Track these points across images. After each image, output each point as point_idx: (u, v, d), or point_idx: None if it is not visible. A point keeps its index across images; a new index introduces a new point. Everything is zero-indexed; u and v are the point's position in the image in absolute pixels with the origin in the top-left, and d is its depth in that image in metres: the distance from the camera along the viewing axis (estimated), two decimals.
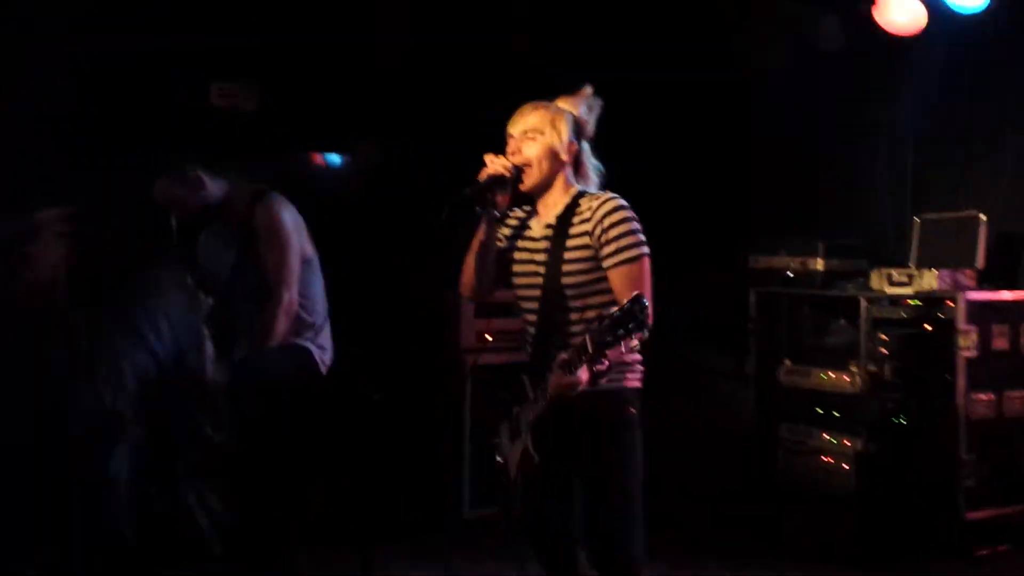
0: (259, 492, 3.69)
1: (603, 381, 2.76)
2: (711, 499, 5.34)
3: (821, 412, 5.21)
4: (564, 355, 2.70)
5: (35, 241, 2.18)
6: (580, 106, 3.02)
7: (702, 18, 5.72)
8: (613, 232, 2.82)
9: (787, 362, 5.44)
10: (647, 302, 2.61)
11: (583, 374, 2.68)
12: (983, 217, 4.91)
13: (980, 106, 5.24)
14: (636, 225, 2.85)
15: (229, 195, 3.91)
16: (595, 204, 2.88)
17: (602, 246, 2.83)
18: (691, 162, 5.97)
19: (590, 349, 2.62)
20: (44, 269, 2.16)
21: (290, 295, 3.77)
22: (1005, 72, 5.13)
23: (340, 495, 4.88)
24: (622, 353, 2.68)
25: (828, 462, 5.07)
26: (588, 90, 3.07)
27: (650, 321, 2.67)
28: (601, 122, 3.07)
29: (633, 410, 2.91)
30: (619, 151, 3.11)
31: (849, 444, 4.99)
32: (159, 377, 2.26)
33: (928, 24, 5.03)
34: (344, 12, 5.31)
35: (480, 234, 3.00)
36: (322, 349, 3.95)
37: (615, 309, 2.61)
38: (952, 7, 4.86)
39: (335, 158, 5.78)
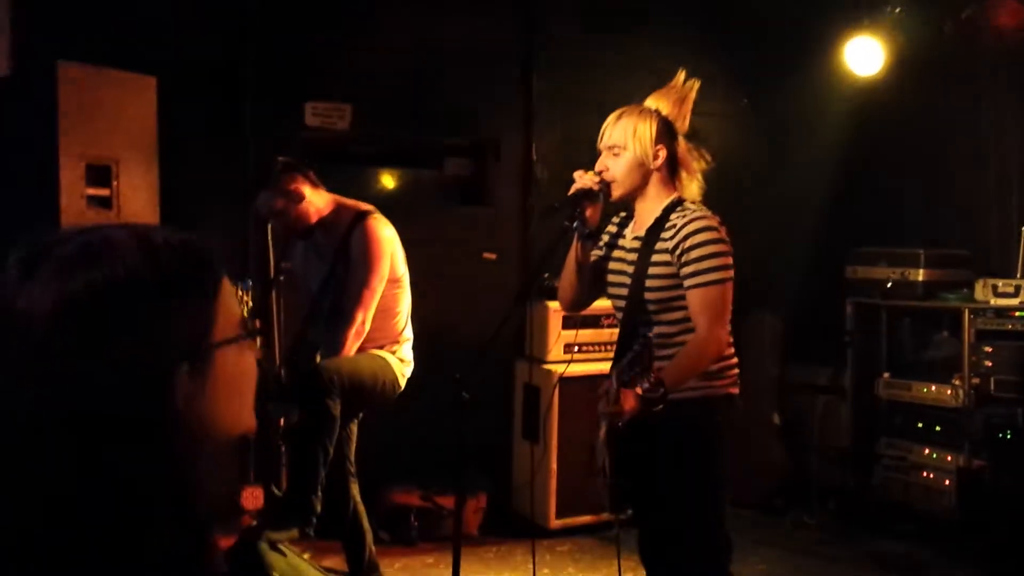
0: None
1: (679, 395, 2.74)
2: (810, 520, 5.23)
3: (922, 426, 5.05)
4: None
5: None
6: (670, 100, 2.93)
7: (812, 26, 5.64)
8: (694, 253, 2.77)
9: (886, 375, 5.29)
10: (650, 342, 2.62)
11: (627, 403, 2.65)
12: None
13: None
14: (720, 248, 2.79)
15: (336, 210, 3.98)
16: (681, 221, 2.83)
17: (682, 265, 2.79)
18: (796, 171, 5.87)
19: (615, 385, 2.65)
20: None
21: (363, 316, 3.82)
22: None
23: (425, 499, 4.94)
24: (679, 379, 2.70)
25: (928, 478, 4.90)
26: (679, 78, 2.96)
27: (722, 349, 2.71)
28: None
29: (718, 418, 2.86)
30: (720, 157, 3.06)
31: (951, 459, 4.83)
32: None
33: None
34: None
35: (573, 249, 3.01)
36: (402, 362, 3.99)
37: (636, 346, 2.62)
38: None
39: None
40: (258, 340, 2.52)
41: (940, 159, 5.71)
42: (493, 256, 5.41)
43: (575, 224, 2.93)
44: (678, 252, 2.79)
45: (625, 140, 2.89)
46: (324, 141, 5.22)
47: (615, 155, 2.91)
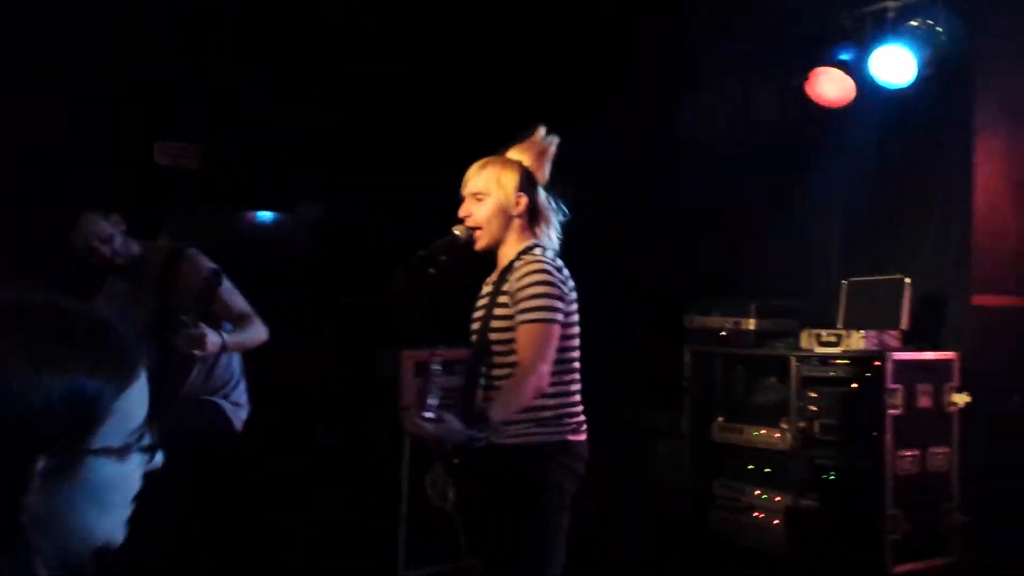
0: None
1: (513, 440, 2.81)
2: (649, 557, 5.39)
3: (753, 468, 5.33)
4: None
5: None
6: (531, 153, 3.03)
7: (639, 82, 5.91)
8: (525, 292, 2.84)
9: (720, 419, 5.56)
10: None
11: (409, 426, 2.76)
12: (907, 280, 5.11)
13: (905, 175, 5.47)
14: (548, 290, 2.83)
15: (143, 254, 3.93)
16: (521, 266, 2.90)
17: (516, 304, 2.86)
18: (631, 226, 6.15)
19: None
20: None
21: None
22: (929, 144, 5.36)
23: (280, 550, 4.87)
24: (502, 412, 2.75)
25: (759, 517, 5.17)
26: (540, 133, 3.06)
27: (542, 385, 2.77)
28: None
29: (550, 467, 2.85)
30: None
31: (780, 500, 5.11)
32: None
33: (857, 97, 5.26)
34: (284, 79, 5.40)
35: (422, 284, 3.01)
36: (236, 406, 3.97)
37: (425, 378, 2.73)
38: (879, 82, 5.09)
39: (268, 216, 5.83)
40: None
41: (772, 216, 6.08)
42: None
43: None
44: (515, 292, 2.87)
45: (489, 187, 2.98)
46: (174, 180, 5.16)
47: (479, 200, 2.99)
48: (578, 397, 2.98)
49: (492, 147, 3.07)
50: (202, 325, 3.57)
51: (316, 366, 5.14)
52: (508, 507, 2.83)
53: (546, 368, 2.80)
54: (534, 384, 2.78)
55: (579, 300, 2.98)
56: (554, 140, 3.07)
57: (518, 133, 3.05)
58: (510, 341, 2.87)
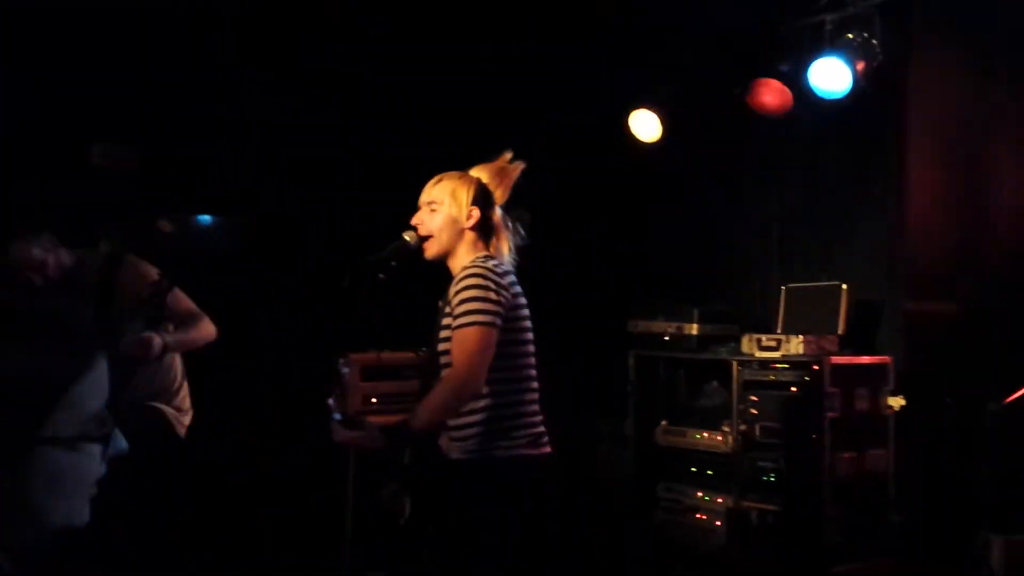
0: None
1: (464, 455, 2.85)
2: (591, 559, 5.44)
3: (695, 471, 5.41)
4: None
5: None
6: (491, 171, 3.10)
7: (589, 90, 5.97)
8: (459, 297, 2.87)
9: (664, 423, 5.64)
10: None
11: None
12: (844, 286, 5.24)
13: (842, 184, 5.61)
14: (481, 293, 2.84)
15: (77, 264, 3.85)
16: (459, 274, 2.94)
17: (453, 312, 2.89)
18: (578, 230, 6.20)
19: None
20: None
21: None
22: (864, 154, 5.50)
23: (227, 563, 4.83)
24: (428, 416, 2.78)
25: (701, 519, 5.25)
26: (506, 156, 3.14)
27: (472, 389, 2.78)
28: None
29: (498, 482, 2.86)
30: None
31: (721, 501, 5.20)
32: None
33: (795, 107, 5.38)
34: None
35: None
36: (179, 411, 3.93)
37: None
38: (817, 93, 5.21)
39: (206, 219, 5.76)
40: None
41: (714, 222, 6.20)
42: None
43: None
44: (452, 300, 2.90)
45: (442, 197, 3.03)
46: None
47: (432, 210, 3.04)
48: (534, 408, 2.98)
49: (435, 155, 3.12)
50: (147, 330, 3.53)
51: (262, 371, 5.10)
52: (459, 523, 2.85)
53: (477, 372, 2.79)
54: (459, 388, 2.79)
55: (531, 306, 3.00)
56: (520, 164, 3.13)
57: (457, 143, 3.10)
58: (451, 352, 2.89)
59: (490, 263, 2.94)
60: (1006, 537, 4.79)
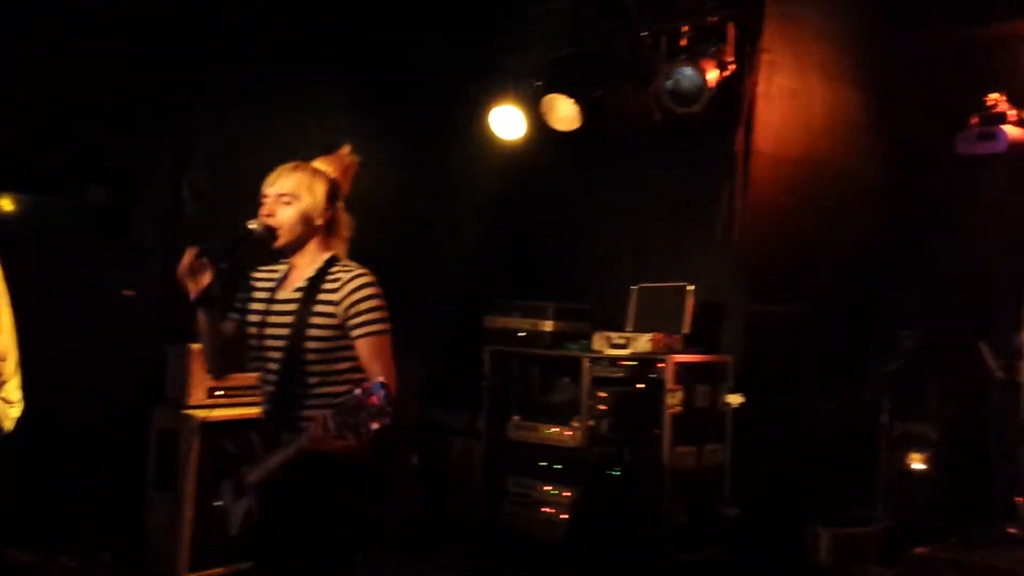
0: None
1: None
2: (437, 552, 5.50)
3: (544, 465, 5.52)
4: (316, 413, 2.73)
5: None
6: (337, 167, 3.10)
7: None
8: (363, 306, 2.90)
9: (516, 418, 5.74)
10: (389, 388, 2.61)
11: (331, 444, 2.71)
12: (690, 287, 5.42)
13: (691, 192, 5.79)
14: (381, 303, 2.94)
15: None
16: (346, 277, 2.94)
17: (350, 318, 2.90)
18: (435, 229, 6.27)
19: (332, 426, 2.62)
20: None
21: None
22: (711, 164, 5.65)
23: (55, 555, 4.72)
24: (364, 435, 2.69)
25: (548, 512, 5.36)
26: (346, 149, 3.15)
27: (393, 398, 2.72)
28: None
29: (359, 460, 2.87)
30: (362, 215, 3.20)
31: (568, 495, 5.31)
32: None
33: (652, 112, 5.53)
34: None
35: (205, 322, 2.97)
36: (7, 403, 3.81)
37: (358, 391, 2.61)
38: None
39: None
40: None
41: (571, 220, 6.32)
42: (132, 293, 5.27)
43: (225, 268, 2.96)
44: (345, 305, 2.90)
45: (300, 191, 3.00)
46: None
47: (286, 203, 2.99)
48: None
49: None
50: None
51: (101, 355, 4.98)
52: (324, 499, 2.88)
53: (395, 378, 2.86)
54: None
55: (385, 299, 3.02)
56: (356, 159, 3.15)
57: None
58: (333, 350, 2.91)
59: (365, 270, 2.99)
60: (832, 529, 5.06)
